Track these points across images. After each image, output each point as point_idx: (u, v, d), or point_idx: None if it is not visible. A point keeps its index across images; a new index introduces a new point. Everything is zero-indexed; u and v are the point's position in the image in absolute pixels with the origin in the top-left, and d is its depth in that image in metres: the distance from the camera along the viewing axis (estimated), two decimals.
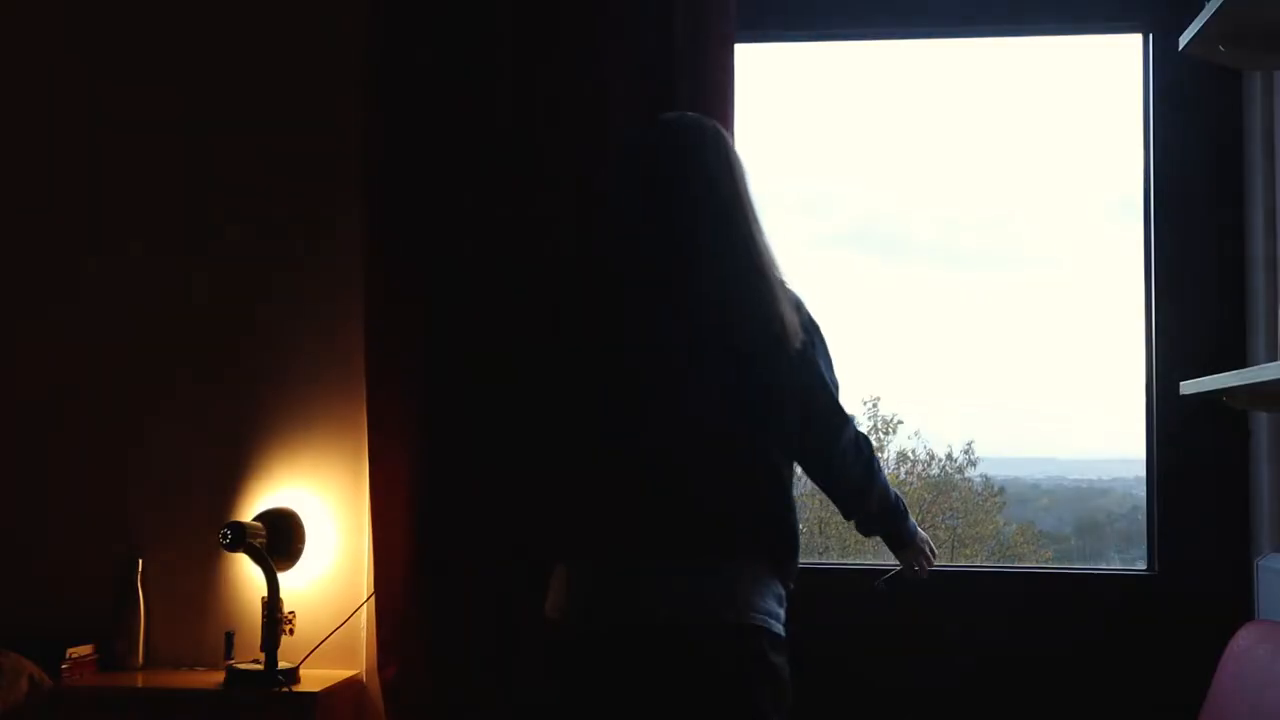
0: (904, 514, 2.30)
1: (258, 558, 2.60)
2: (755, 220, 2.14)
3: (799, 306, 2.14)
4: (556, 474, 2.19)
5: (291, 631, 2.62)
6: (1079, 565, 3.05)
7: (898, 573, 2.37)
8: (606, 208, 2.27)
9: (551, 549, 2.16)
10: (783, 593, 2.08)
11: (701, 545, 2.01)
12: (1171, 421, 2.61)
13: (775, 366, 2.06)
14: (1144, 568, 2.68)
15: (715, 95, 2.56)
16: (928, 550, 2.35)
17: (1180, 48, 2.22)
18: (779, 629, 2.04)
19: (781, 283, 2.12)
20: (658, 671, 1.97)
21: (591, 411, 2.10)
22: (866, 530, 2.32)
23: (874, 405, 3.08)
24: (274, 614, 2.59)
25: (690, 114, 2.27)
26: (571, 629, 2.04)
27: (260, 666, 2.56)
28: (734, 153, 2.19)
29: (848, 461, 2.19)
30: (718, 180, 2.13)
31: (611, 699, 2.00)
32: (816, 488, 2.32)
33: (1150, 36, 2.69)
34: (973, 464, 3.13)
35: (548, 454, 2.23)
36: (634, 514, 2.03)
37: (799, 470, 2.20)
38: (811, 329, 2.15)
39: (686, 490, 2.02)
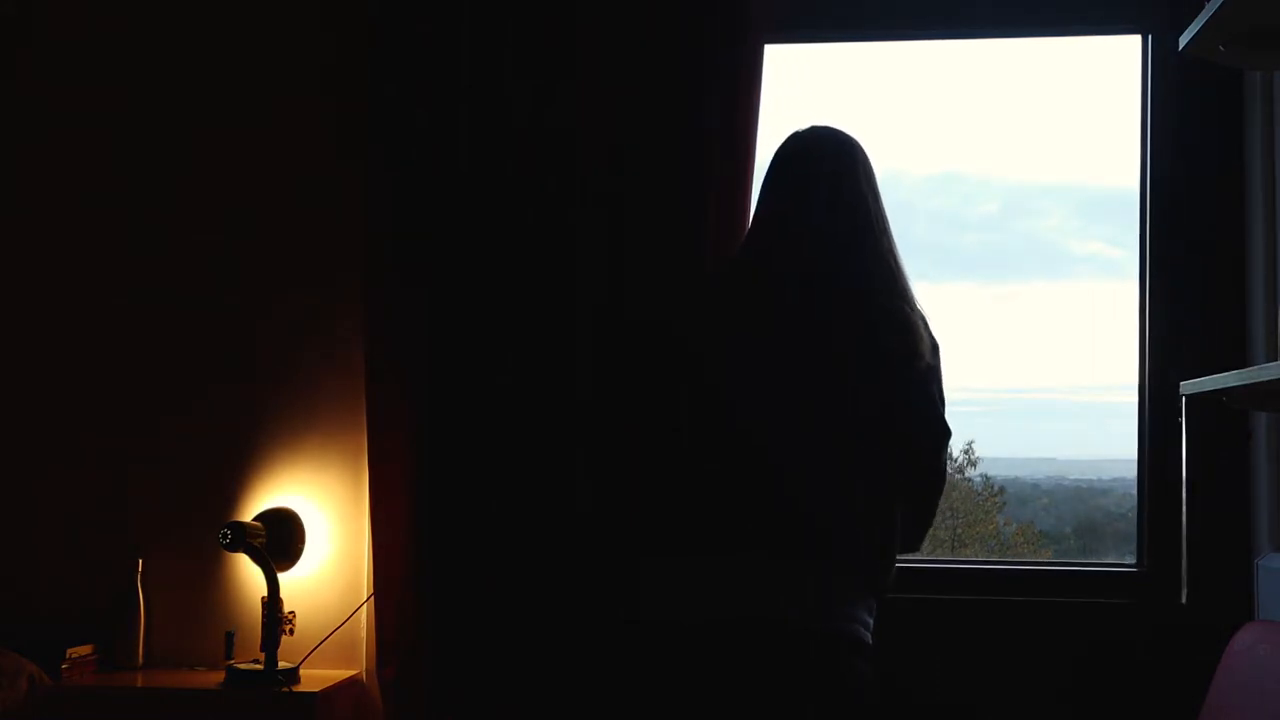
0: None
1: (258, 558, 2.60)
2: (891, 239, 2.17)
3: (926, 325, 2.14)
4: (640, 472, 2.21)
5: (291, 631, 2.62)
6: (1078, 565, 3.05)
7: None
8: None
9: (630, 545, 2.19)
10: (873, 601, 2.07)
11: (792, 547, 2.01)
12: (1171, 422, 2.61)
13: (898, 382, 2.06)
14: (1143, 567, 2.68)
15: (742, 98, 2.56)
16: None
17: (1180, 48, 2.22)
18: (863, 635, 2.03)
19: (914, 301, 2.14)
20: (729, 668, 1.97)
21: (694, 409, 2.12)
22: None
23: None
24: (274, 614, 2.59)
25: (832, 129, 2.26)
26: (647, 626, 2.05)
27: (260, 666, 2.56)
28: (872, 169, 2.21)
29: (934, 497, 2.15)
30: (863, 202, 2.16)
31: (679, 694, 2.00)
32: None
33: (1150, 36, 2.69)
34: (973, 464, 3.13)
35: (629, 451, 2.27)
36: (729, 513, 2.04)
37: None
38: (936, 348, 2.14)
39: (781, 493, 2.03)
